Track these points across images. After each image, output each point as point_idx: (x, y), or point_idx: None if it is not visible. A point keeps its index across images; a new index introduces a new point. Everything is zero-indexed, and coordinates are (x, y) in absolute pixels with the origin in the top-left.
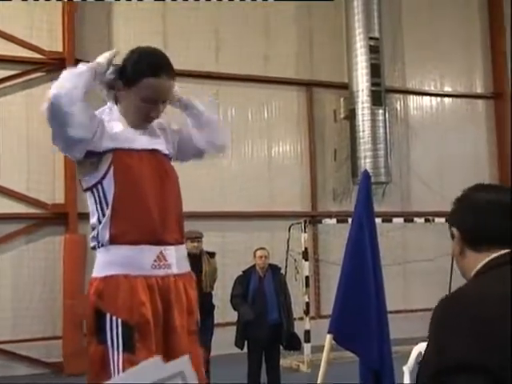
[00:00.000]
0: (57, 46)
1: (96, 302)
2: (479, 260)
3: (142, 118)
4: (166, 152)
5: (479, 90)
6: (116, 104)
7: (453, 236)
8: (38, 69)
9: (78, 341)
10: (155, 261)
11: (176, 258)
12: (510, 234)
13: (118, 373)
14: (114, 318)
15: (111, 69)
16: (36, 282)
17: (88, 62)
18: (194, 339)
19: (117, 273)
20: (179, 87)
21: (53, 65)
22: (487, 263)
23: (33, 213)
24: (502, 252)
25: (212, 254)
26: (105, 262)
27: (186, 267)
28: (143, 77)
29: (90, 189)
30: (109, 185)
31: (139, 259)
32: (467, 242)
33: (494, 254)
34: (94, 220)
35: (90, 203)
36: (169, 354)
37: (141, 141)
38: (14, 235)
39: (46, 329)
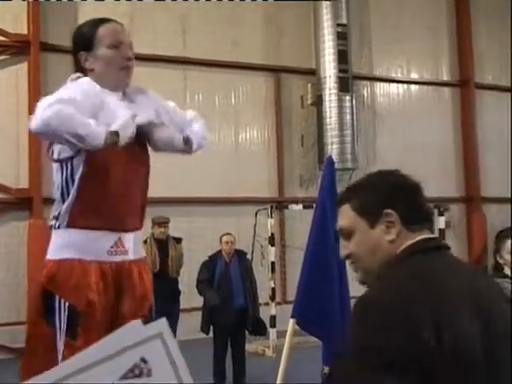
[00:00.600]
0: (22, 28)
1: (47, 283)
2: (408, 240)
3: (119, 66)
4: (144, 121)
5: (445, 78)
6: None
7: (376, 220)
8: (2, 52)
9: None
10: (112, 247)
11: (133, 244)
12: (429, 212)
13: (62, 356)
14: (62, 301)
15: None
16: (0, 268)
17: (52, 45)
18: None
19: (71, 257)
20: (147, 72)
21: (17, 47)
22: (418, 242)
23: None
24: (432, 235)
25: (178, 240)
26: (61, 245)
27: (141, 253)
28: (97, 27)
29: (59, 161)
30: (78, 164)
31: (96, 245)
32: (406, 222)
33: (424, 236)
34: (57, 195)
35: (56, 176)
36: None
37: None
38: None
39: (10, 314)
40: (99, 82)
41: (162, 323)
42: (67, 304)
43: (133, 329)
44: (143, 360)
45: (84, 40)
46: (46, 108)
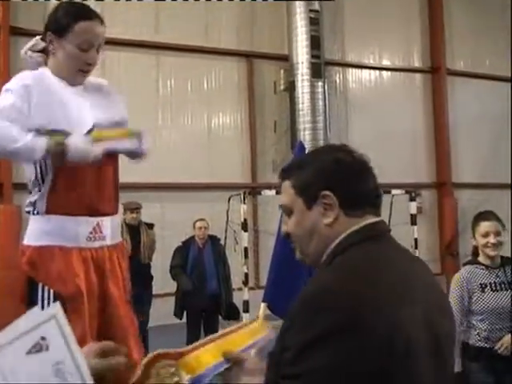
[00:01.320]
0: None
1: (29, 271)
2: (350, 225)
3: (79, 67)
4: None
5: (417, 64)
6: (45, 64)
7: (313, 202)
8: None
9: (12, 313)
10: (91, 233)
11: (111, 229)
12: (376, 196)
13: None
14: (46, 288)
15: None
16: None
17: (23, 29)
18: (129, 308)
19: (52, 243)
20: (119, 56)
21: None
22: (364, 228)
23: None
24: (378, 219)
25: (150, 226)
26: (40, 231)
27: (118, 237)
28: (76, 21)
29: None
30: None
31: (75, 231)
32: (344, 206)
33: (370, 220)
34: (33, 181)
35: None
36: (109, 324)
37: (82, 110)
38: None
39: None
40: (55, 69)
41: (56, 306)
42: (52, 291)
43: (33, 314)
44: (42, 338)
45: (58, 25)
46: None
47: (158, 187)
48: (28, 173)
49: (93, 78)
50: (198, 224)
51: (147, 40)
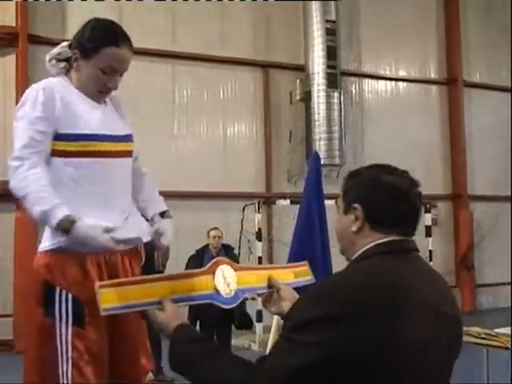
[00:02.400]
0: (10, 20)
1: (45, 274)
2: (375, 239)
3: (98, 89)
4: (128, 132)
5: (433, 76)
6: (65, 74)
7: (348, 209)
8: None
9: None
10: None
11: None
12: (406, 219)
13: (66, 345)
14: (63, 292)
15: (62, 49)
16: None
17: (41, 37)
18: (139, 315)
19: (68, 248)
20: (135, 66)
21: (4, 40)
22: (383, 244)
23: None
24: (401, 238)
25: None
26: (55, 236)
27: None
28: (104, 46)
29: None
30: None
31: None
32: (370, 220)
33: (391, 237)
34: None
35: None
36: (118, 329)
37: (102, 125)
38: None
39: None
40: (76, 81)
41: None
42: (69, 295)
43: None
44: None
45: (85, 45)
46: (13, 173)
47: (173, 195)
48: None
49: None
50: (212, 233)
51: (163, 49)
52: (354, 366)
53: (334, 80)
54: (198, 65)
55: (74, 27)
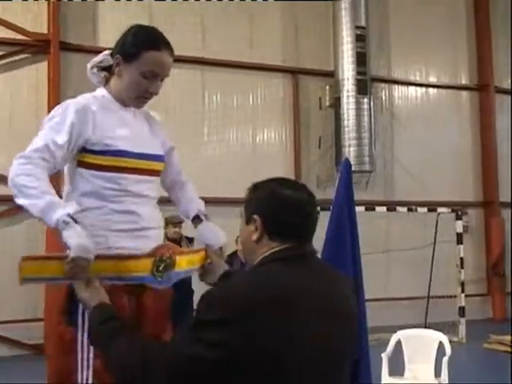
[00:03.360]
0: (42, 27)
1: (70, 283)
2: (272, 247)
3: (139, 94)
4: (160, 153)
5: (464, 82)
6: (106, 85)
7: (249, 220)
8: (22, 50)
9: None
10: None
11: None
12: (301, 229)
13: (88, 353)
14: None
15: (104, 57)
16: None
17: (72, 44)
18: (167, 323)
19: None
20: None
21: (37, 47)
22: (278, 252)
23: None
24: (291, 245)
25: (191, 240)
26: None
27: None
28: (145, 50)
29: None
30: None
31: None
32: (268, 231)
33: (286, 245)
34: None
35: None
36: (143, 332)
37: (134, 142)
38: None
39: (27, 310)
40: (116, 89)
41: None
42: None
43: None
44: None
45: (127, 50)
46: (16, 166)
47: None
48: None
49: (150, 112)
50: None
51: (193, 55)
52: (244, 364)
53: (363, 86)
54: (227, 71)
55: (104, 34)
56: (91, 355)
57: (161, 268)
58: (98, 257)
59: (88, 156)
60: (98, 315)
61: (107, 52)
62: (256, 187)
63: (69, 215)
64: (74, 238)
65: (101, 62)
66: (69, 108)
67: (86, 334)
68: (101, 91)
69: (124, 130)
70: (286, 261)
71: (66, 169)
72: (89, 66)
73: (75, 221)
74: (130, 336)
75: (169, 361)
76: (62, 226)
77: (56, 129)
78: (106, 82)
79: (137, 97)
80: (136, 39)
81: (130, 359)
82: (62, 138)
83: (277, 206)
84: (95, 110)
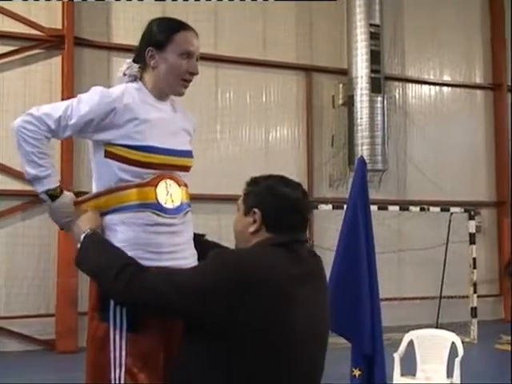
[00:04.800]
0: (56, 22)
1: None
2: (267, 238)
3: (182, 77)
4: (190, 149)
5: (478, 81)
6: (140, 79)
7: (248, 212)
8: (37, 45)
9: (71, 319)
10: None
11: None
12: (296, 225)
13: (120, 352)
14: None
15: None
16: (30, 260)
17: (86, 39)
18: None
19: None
20: None
21: (51, 42)
22: (270, 239)
23: (29, 190)
24: (284, 237)
25: (201, 236)
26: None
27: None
28: (176, 32)
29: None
30: None
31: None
32: (266, 224)
33: (281, 237)
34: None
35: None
36: (173, 333)
37: (166, 138)
38: (9, 212)
39: (40, 306)
40: (153, 83)
41: None
42: None
43: None
44: None
45: (158, 38)
46: (33, 116)
47: (215, 199)
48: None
49: (182, 107)
50: None
51: (206, 52)
52: (225, 328)
53: (377, 84)
54: (240, 68)
55: (118, 30)
56: (123, 352)
57: (165, 196)
58: (106, 191)
59: (116, 148)
60: (91, 240)
61: (129, 61)
62: (255, 182)
63: (46, 192)
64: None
65: (127, 68)
66: (104, 97)
67: (118, 331)
68: (137, 85)
69: (156, 125)
70: (276, 247)
71: (93, 157)
72: (118, 75)
73: (56, 196)
74: (120, 251)
75: (141, 287)
76: (45, 200)
77: (82, 105)
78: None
79: (178, 80)
80: (162, 26)
81: (110, 266)
82: (81, 119)
83: (276, 202)
84: (129, 103)
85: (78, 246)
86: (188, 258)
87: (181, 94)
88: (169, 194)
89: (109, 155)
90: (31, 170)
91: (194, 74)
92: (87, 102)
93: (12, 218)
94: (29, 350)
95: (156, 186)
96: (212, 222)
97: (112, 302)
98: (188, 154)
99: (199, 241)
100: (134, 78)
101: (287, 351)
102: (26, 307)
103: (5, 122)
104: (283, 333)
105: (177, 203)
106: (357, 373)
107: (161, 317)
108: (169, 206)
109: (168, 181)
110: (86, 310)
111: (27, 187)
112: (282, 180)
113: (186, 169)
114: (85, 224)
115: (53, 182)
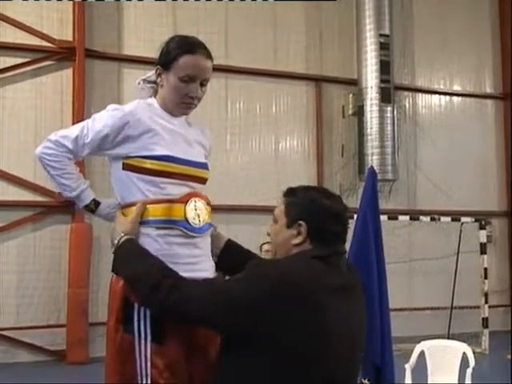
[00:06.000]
0: (67, 34)
1: (126, 290)
2: (304, 248)
3: (180, 100)
4: (204, 161)
5: (488, 90)
6: (155, 97)
7: (291, 224)
8: (48, 57)
9: (81, 330)
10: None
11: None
12: (338, 237)
13: (146, 363)
14: (142, 308)
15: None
16: (41, 270)
17: (97, 51)
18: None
19: None
20: None
21: (62, 54)
22: (311, 250)
23: (40, 201)
24: (327, 249)
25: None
26: None
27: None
28: (180, 55)
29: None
30: None
31: None
32: (311, 237)
33: (323, 249)
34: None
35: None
36: (195, 343)
37: (180, 149)
38: (20, 223)
39: (50, 317)
40: (162, 100)
41: None
42: (148, 312)
43: None
44: None
45: (166, 58)
46: (50, 141)
47: (225, 209)
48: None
49: (199, 123)
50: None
51: (216, 63)
52: (267, 340)
53: (387, 94)
54: (250, 78)
55: (129, 42)
56: (149, 363)
57: (193, 214)
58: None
59: (133, 159)
60: (127, 245)
61: (143, 83)
62: (293, 193)
63: (85, 208)
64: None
65: (148, 76)
66: (117, 113)
67: (143, 342)
68: (151, 100)
69: (170, 137)
70: (323, 259)
71: (112, 172)
72: (137, 81)
73: (96, 206)
74: (158, 260)
75: (180, 299)
76: (91, 208)
77: (97, 124)
78: (155, 94)
79: (179, 103)
80: (171, 47)
81: (150, 276)
82: (97, 137)
83: (321, 215)
84: (142, 116)
85: (113, 250)
86: (207, 270)
87: (185, 114)
88: (196, 212)
89: (126, 167)
90: (64, 192)
91: (193, 98)
92: (101, 119)
93: (23, 229)
94: (39, 361)
95: (186, 204)
96: (222, 231)
97: (136, 314)
98: (204, 165)
99: (226, 244)
100: (148, 95)
101: (325, 364)
102: (37, 318)
103: (16, 133)
104: (322, 345)
105: (203, 223)
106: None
107: (184, 326)
108: (195, 224)
109: (197, 199)
110: (97, 320)
111: (38, 198)
112: (323, 191)
113: (202, 180)
114: (121, 227)
115: (87, 198)
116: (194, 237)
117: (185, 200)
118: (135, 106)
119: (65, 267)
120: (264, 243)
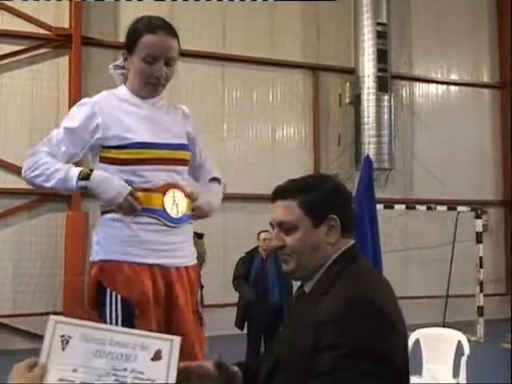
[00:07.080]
0: (63, 22)
1: (98, 275)
2: (344, 244)
3: (146, 81)
4: (182, 142)
5: (485, 79)
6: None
7: (320, 222)
8: (44, 45)
9: (77, 317)
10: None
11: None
12: (355, 221)
13: None
14: (113, 293)
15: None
16: (37, 258)
17: (94, 39)
18: (196, 318)
19: (121, 260)
20: (186, 67)
21: (59, 41)
22: (351, 248)
23: (35, 189)
24: (353, 241)
25: (200, 235)
26: (108, 251)
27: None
28: (141, 35)
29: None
30: None
31: None
32: (342, 228)
33: (352, 241)
34: None
35: None
36: (173, 331)
37: (153, 133)
38: (16, 210)
39: (47, 304)
40: (130, 84)
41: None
42: (119, 296)
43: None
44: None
45: (128, 41)
46: (26, 159)
47: (222, 197)
48: None
49: (177, 105)
50: (263, 235)
51: (213, 51)
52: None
53: (384, 83)
54: (247, 67)
55: (125, 30)
56: None
57: (171, 204)
58: None
59: (108, 151)
60: None
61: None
62: (309, 188)
63: (78, 181)
64: (106, 193)
65: (120, 62)
66: (81, 105)
67: (113, 326)
68: (120, 88)
69: (142, 122)
70: (356, 258)
71: (94, 167)
72: (110, 67)
73: (87, 178)
74: None
75: None
76: (83, 190)
77: (66, 126)
78: (126, 80)
79: (144, 84)
80: (132, 30)
81: None
82: (70, 137)
83: (346, 201)
84: (109, 106)
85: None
86: (187, 257)
87: (154, 95)
88: (175, 203)
89: (103, 161)
90: (59, 187)
91: (158, 77)
92: (69, 116)
93: (19, 217)
94: (36, 348)
95: (164, 194)
96: (217, 220)
97: (108, 298)
98: (181, 146)
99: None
100: (120, 79)
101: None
102: (33, 305)
103: (12, 120)
104: (406, 362)
105: (181, 214)
106: None
107: (151, 319)
108: (174, 214)
109: (176, 190)
110: None
111: None
112: (330, 177)
113: (183, 162)
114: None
115: (75, 170)
116: (171, 226)
117: (163, 190)
118: (102, 97)
119: (61, 255)
120: (261, 231)
